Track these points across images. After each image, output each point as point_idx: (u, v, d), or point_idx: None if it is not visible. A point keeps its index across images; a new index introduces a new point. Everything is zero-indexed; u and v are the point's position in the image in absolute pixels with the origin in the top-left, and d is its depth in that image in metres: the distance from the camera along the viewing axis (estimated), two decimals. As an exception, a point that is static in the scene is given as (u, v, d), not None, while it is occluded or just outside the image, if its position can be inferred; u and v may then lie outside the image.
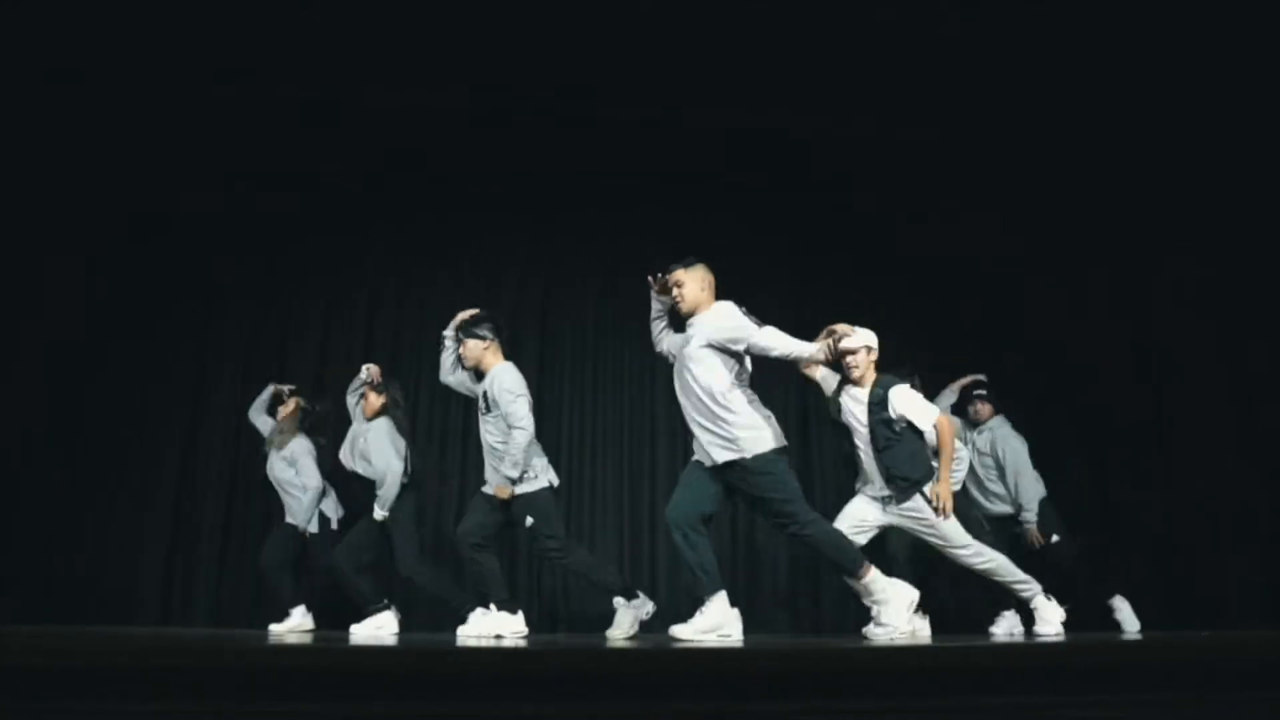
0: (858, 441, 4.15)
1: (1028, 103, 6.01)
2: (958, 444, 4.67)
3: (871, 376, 4.16)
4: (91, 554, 5.45)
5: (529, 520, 4.28)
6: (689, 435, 3.81)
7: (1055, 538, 5.09)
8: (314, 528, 5.03)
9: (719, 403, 3.63)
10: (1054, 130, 6.25)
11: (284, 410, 5.23)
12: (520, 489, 4.29)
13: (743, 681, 2.22)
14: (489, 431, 4.38)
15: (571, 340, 6.26)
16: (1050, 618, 4.18)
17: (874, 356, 4.18)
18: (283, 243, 6.08)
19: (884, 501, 4.09)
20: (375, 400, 4.95)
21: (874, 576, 3.62)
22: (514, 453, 4.23)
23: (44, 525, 5.41)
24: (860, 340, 4.09)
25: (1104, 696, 2.30)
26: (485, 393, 4.36)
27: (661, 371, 6.29)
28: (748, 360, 3.78)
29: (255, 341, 5.99)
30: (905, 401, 4.07)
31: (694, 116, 6.26)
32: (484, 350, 4.44)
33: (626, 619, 4.25)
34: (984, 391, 5.28)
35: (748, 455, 3.59)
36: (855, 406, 4.16)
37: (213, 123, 5.95)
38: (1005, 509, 5.19)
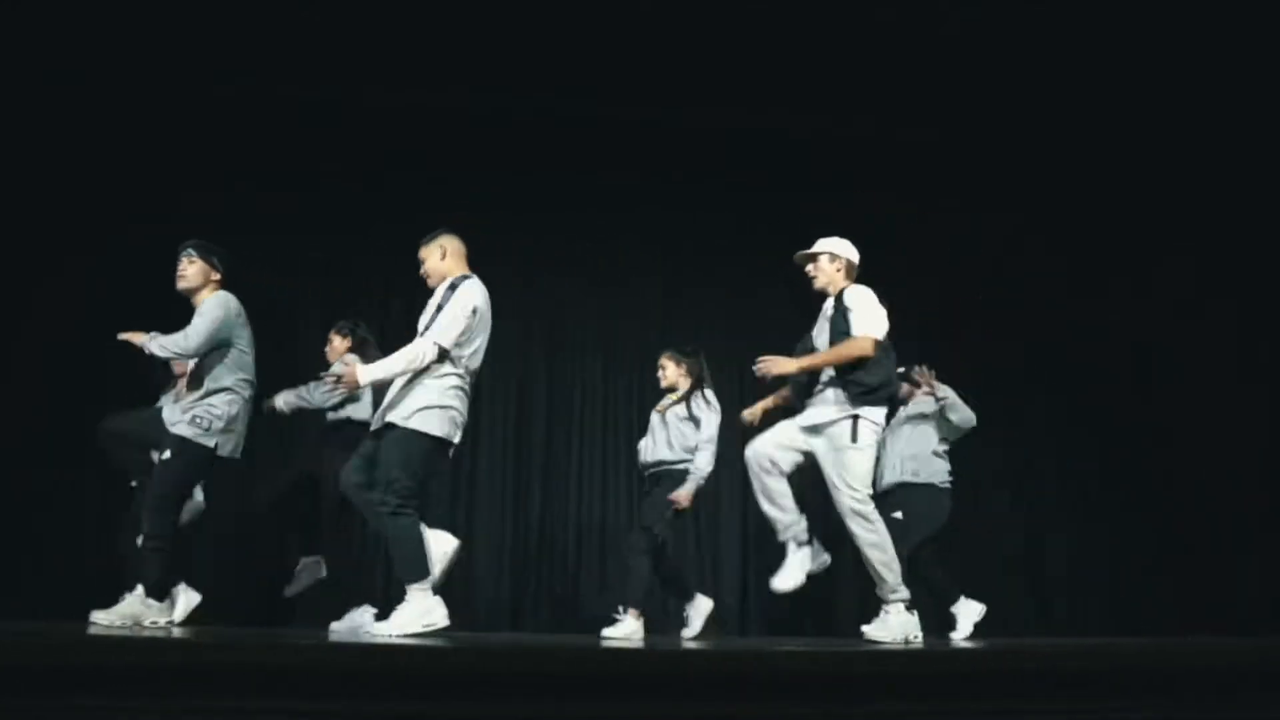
0: (817, 345, 3.80)
1: (1027, 101, 6.00)
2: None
3: (841, 285, 3.83)
4: (90, 550, 5.42)
5: (167, 454, 3.76)
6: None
7: (899, 515, 4.59)
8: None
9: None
10: (1053, 128, 6.25)
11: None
12: (195, 434, 3.76)
13: (742, 682, 2.22)
14: None
15: (576, 338, 6.28)
16: (888, 627, 3.59)
17: (839, 265, 3.85)
18: (282, 243, 6.07)
19: (812, 430, 3.65)
20: (341, 344, 4.76)
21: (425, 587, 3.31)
22: (175, 337, 3.81)
23: (42, 523, 5.42)
24: (822, 245, 3.90)
25: (1106, 702, 2.29)
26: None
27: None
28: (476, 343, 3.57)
29: (253, 341, 5.97)
30: (858, 297, 3.72)
31: (694, 116, 6.25)
32: (212, 279, 4.04)
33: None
34: (903, 370, 4.94)
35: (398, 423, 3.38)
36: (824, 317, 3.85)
37: (213, 123, 5.94)
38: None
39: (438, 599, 3.30)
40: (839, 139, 6.36)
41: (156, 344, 3.85)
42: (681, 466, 4.59)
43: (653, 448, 4.73)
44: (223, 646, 2.35)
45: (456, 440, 3.53)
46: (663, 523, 4.52)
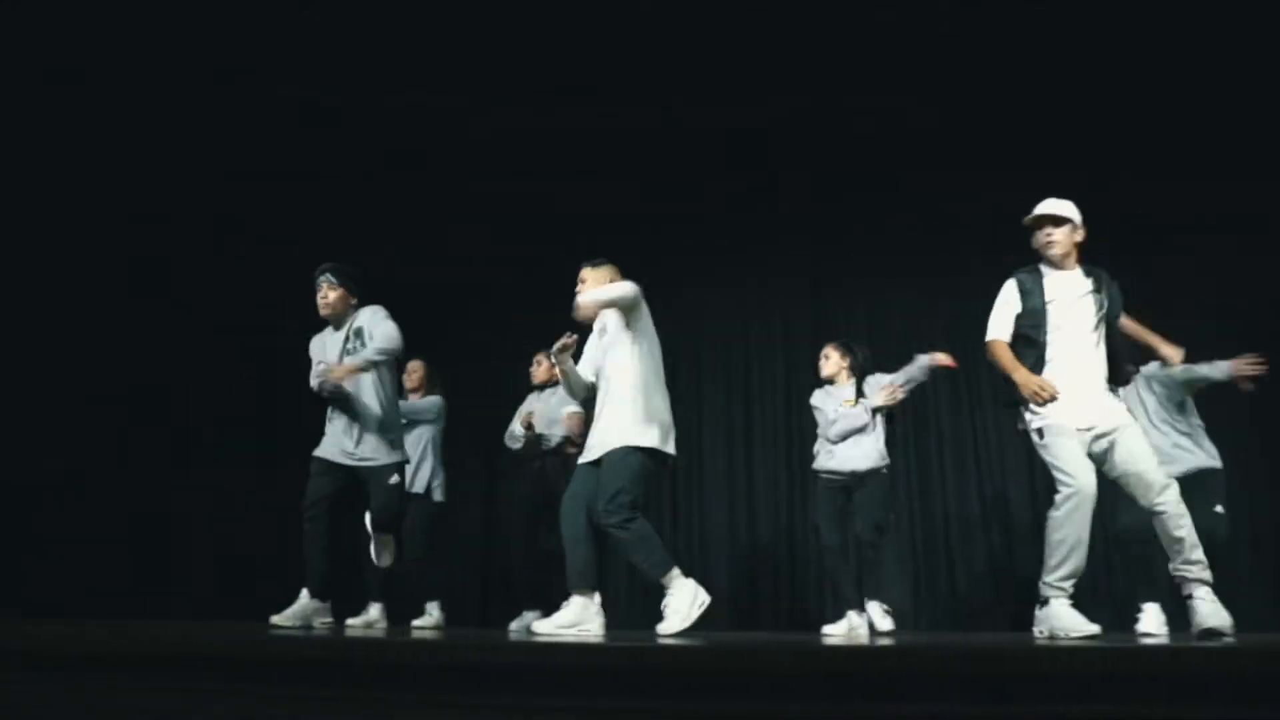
0: (1068, 330, 3.36)
1: (1027, 96, 6.01)
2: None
3: (1074, 257, 3.46)
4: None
5: (394, 479, 4.01)
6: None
7: (1220, 509, 4.21)
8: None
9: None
10: (1054, 124, 6.24)
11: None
12: (401, 456, 4.09)
13: (757, 682, 2.22)
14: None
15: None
16: (1205, 614, 3.19)
17: (1078, 236, 3.44)
18: (281, 243, 6.07)
19: (1092, 415, 3.29)
20: (547, 364, 4.86)
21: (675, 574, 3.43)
22: (380, 344, 3.93)
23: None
24: (1065, 209, 3.44)
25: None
26: (358, 330, 4.05)
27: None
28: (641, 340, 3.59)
29: (256, 343, 5.98)
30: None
31: (694, 116, 6.25)
32: (351, 304, 4.14)
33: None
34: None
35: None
36: (1063, 289, 3.40)
37: (213, 123, 5.94)
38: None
39: (692, 581, 3.39)
40: (838, 137, 6.32)
41: (372, 352, 3.93)
42: (880, 468, 4.56)
43: (848, 456, 4.59)
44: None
45: (669, 449, 3.55)
46: (877, 523, 4.49)
